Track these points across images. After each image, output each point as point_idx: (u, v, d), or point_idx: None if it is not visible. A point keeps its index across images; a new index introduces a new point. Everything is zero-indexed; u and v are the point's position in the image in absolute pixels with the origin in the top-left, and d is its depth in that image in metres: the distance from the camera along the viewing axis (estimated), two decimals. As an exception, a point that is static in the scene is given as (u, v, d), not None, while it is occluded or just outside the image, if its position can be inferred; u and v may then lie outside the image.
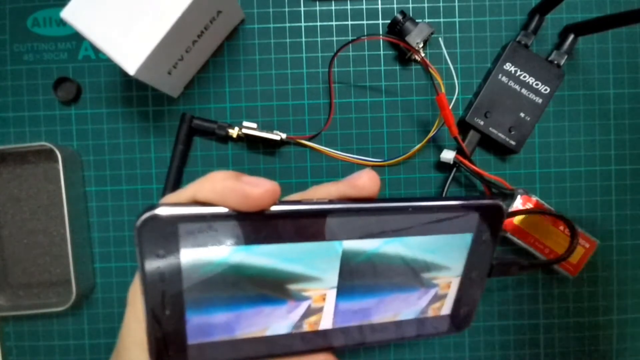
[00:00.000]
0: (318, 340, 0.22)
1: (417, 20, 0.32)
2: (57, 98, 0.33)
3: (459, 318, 0.25)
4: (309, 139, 0.33)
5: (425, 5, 0.33)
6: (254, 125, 0.32)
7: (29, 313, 0.32)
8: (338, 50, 0.31)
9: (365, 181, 0.21)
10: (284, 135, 0.32)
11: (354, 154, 0.33)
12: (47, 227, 0.33)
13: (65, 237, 0.31)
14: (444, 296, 0.24)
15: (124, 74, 0.29)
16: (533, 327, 0.35)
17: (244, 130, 0.32)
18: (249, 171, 0.33)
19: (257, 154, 0.33)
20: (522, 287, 0.34)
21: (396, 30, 0.32)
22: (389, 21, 0.33)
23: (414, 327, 0.24)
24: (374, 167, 0.34)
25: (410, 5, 0.33)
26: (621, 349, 0.35)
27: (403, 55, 0.33)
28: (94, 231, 0.34)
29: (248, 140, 0.33)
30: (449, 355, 0.34)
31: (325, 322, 0.22)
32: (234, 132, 0.32)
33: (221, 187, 0.18)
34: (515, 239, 0.32)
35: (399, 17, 0.32)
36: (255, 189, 0.17)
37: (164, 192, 0.33)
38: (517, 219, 0.32)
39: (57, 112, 0.33)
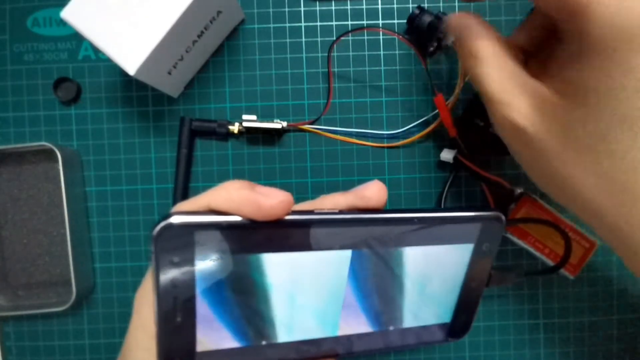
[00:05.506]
0: (324, 347, 0.22)
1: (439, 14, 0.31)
2: (57, 98, 0.33)
3: (457, 326, 0.25)
4: (310, 124, 0.33)
5: (426, 5, 0.33)
6: (254, 117, 0.32)
7: (29, 313, 0.32)
8: (341, 35, 0.31)
9: (374, 192, 0.21)
10: (284, 123, 0.32)
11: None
12: (47, 227, 0.33)
13: (65, 237, 0.31)
14: (443, 304, 0.24)
15: (124, 74, 0.29)
16: (533, 327, 0.35)
17: (245, 124, 0.32)
18: (248, 163, 0.33)
19: (257, 146, 0.33)
20: (522, 287, 0.34)
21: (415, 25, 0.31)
22: (388, 21, 0.33)
23: (415, 335, 0.24)
24: (373, 148, 0.34)
25: (410, 6, 0.33)
26: (621, 349, 0.35)
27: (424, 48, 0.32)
28: (94, 231, 0.34)
29: (248, 135, 0.33)
30: (449, 355, 0.34)
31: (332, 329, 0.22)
32: (234, 127, 0.32)
33: (236, 197, 0.18)
34: (514, 239, 0.32)
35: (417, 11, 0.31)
36: (269, 200, 0.18)
37: (174, 197, 0.33)
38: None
39: (57, 112, 0.33)
